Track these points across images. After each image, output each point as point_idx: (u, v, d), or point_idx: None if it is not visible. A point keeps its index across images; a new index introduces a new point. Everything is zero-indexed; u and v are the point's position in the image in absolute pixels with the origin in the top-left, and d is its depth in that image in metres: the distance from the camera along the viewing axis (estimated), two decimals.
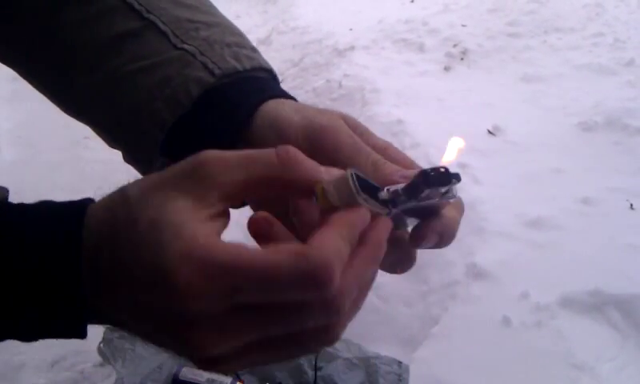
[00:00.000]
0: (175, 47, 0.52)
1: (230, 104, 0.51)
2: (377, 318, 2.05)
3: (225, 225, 0.39)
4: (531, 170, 2.54)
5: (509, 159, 2.65)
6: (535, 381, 1.59)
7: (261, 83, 0.54)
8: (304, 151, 0.39)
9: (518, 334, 1.71)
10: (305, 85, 4.26)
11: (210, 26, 0.56)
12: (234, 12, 7.49)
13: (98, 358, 1.88)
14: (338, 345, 1.07)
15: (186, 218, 0.35)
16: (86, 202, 0.39)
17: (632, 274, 1.85)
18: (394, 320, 2.02)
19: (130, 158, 0.58)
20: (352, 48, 4.49)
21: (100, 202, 0.39)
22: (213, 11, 0.59)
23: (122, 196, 0.38)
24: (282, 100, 0.52)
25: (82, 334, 0.41)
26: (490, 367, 1.64)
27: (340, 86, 3.81)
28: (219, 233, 0.37)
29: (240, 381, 0.91)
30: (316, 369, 0.96)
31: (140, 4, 0.53)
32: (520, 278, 1.90)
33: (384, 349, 1.39)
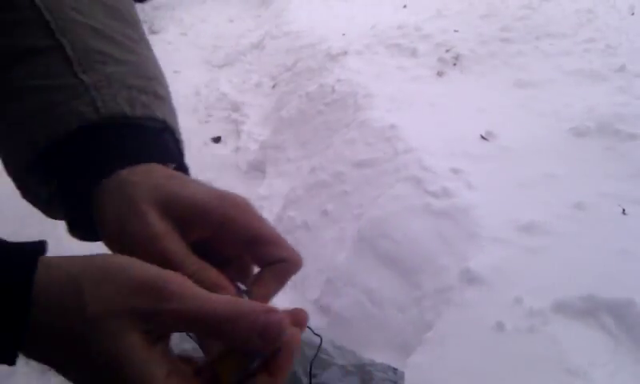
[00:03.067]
0: (74, 75, 0.52)
1: (99, 151, 0.50)
2: (370, 324, 2.04)
3: (166, 344, 0.41)
4: (524, 175, 2.54)
5: (502, 164, 2.66)
6: None
7: (141, 138, 0.52)
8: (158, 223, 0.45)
9: (512, 339, 1.71)
10: (298, 89, 4.26)
11: (121, 62, 0.54)
12: (226, 16, 7.49)
13: None
14: (333, 352, 1.06)
15: (142, 357, 0.38)
16: (35, 257, 0.39)
17: (625, 279, 1.86)
18: (387, 326, 2.01)
19: (5, 167, 0.56)
20: (345, 53, 4.49)
21: (49, 280, 0.38)
22: (135, 48, 0.57)
23: (77, 301, 0.38)
24: (151, 167, 0.49)
25: (13, 361, 0.40)
26: (484, 372, 1.64)
27: (333, 90, 3.81)
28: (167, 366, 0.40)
29: None
30: (311, 376, 0.95)
31: (57, 24, 0.53)
32: (513, 284, 1.90)
33: (378, 354, 1.39)
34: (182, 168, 0.55)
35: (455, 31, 4.66)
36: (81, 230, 0.54)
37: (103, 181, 0.48)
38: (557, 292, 1.83)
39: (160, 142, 0.54)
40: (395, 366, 1.02)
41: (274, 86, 4.82)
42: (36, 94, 0.51)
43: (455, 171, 2.54)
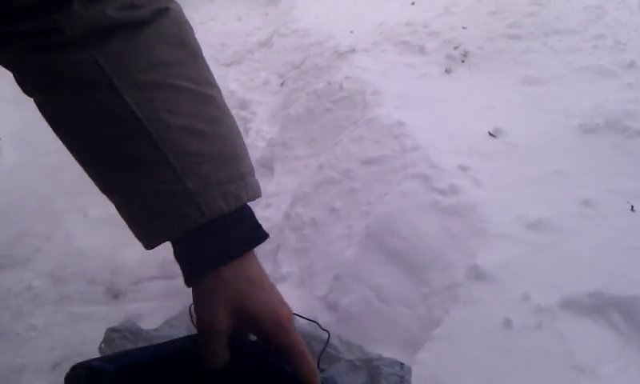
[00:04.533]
0: (180, 181, 0.66)
1: (201, 250, 0.69)
2: (378, 320, 2.05)
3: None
4: (532, 171, 2.54)
5: (509, 161, 2.65)
6: (536, 382, 1.59)
7: (233, 231, 0.70)
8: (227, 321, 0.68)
9: (519, 336, 1.71)
10: (306, 87, 4.27)
11: (212, 158, 0.69)
12: (235, 15, 7.51)
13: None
14: (340, 346, 1.07)
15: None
16: None
17: (633, 275, 1.85)
18: (395, 322, 2.02)
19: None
20: (353, 50, 4.50)
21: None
22: (219, 130, 0.71)
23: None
24: (237, 270, 0.69)
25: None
26: (492, 369, 1.64)
27: (341, 88, 3.82)
28: None
29: None
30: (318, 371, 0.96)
31: (158, 134, 0.66)
32: (521, 280, 1.90)
33: (385, 351, 1.39)
34: (262, 235, 0.74)
35: (463, 28, 4.65)
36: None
37: (207, 273, 0.68)
38: (565, 289, 1.83)
39: (246, 225, 0.73)
40: (403, 362, 1.03)
41: (282, 84, 4.84)
42: (154, 199, 0.67)
43: (463, 168, 2.54)
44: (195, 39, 0.75)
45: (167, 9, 0.71)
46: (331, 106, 3.71)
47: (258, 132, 4.11)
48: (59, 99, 0.67)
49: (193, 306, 0.95)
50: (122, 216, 0.72)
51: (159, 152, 0.66)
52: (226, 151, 0.71)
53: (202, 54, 0.75)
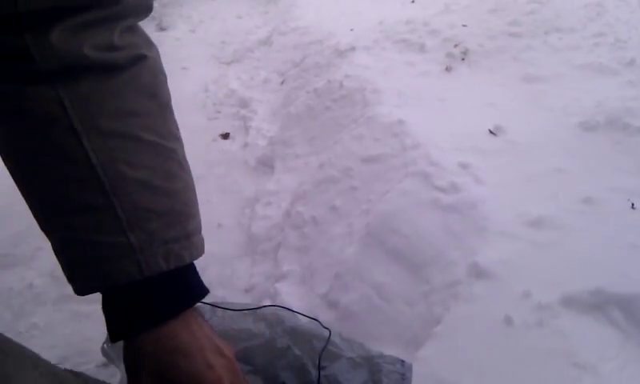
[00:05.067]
0: (124, 234, 0.65)
1: (135, 307, 0.66)
2: (378, 318, 2.05)
3: None
4: (532, 169, 2.54)
5: (510, 159, 2.65)
6: (537, 379, 1.59)
7: (170, 290, 0.68)
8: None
9: (520, 334, 1.72)
10: (306, 85, 4.27)
11: (160, 215, 0.67)
12: (235, 13, 7.50)
13: (102, 359, 1.89)
14: (341, 344, 1.07)
15: None
16: None
17: (633, 273, 1.86)
18: (395, 320, 2.02)
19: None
20: (353, 48, 4.49)
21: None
22: (173, 186, 0.70)
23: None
24: (163, 337, 0.67)
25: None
26: (492, 366, 1.64)
27: (341, 86, 3.82)
28: None
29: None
30: (319, 368, 0.96)
31: (110, 185, 0.64)
32: (522, 278, 1.90)
33: (386, 349, 1.40)
34: (200, 293, 0.72)
35: (463, 26, 4.65)
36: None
37: (129, 339, 0.67)
38: (565, 286, 1.83)
39: (181, 287, 0.70)
40: (404, 359, 1.04)
41: (282, 82, 4.83)
42: (93, 247, 0.65)
43: (463, 166, 2.54)
44: (167, 90, 0.74)
45: (145, 57, 0.70)
46: (331, 105, 3.71)
47: (258, 130, 4.11)
48: (12, 129, 0.64)
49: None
50: (57, 257, 0.70)
51: (108, 201, 0.64)
52: (178, 209, 0.70)
53: (171, 105, 0.74)
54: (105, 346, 1.21)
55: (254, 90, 4.91)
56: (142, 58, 0.69)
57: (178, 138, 0.74)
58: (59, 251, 0.69)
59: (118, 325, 0.67)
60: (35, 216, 0.70)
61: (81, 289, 0.68)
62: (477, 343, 1.73)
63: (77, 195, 0.64)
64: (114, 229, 0.64)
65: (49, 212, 0.67)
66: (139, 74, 0.68)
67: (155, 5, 7.30)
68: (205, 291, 0.72)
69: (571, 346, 1.64)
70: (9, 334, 2.29)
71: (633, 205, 2.22)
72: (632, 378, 1.56)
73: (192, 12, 7.41)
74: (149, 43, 0.73)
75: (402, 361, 1.00)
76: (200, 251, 0.73)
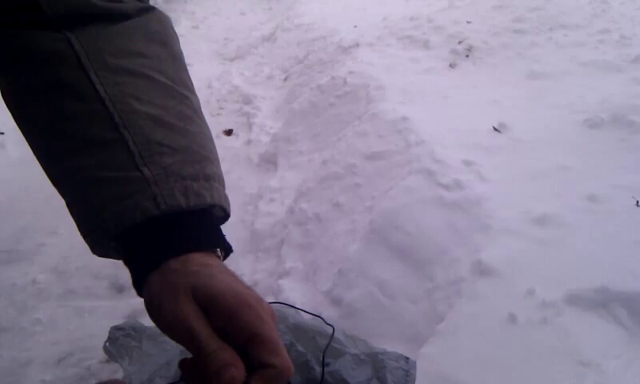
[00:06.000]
0: (137, 168, 0.60)
1: (156, 243, 0.59)
2: (382, 315, 2.05)
3: None
4: (537, 167, 2.53)
5: (514, 156, 2.65)
6: (541, 377, 1.58)
7: (192, 229, 0.62)
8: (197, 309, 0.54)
9: (524, 331, 1.71)
10: (310, 82, 4.27)
11: (177, 151, 0.63)
12: (238, 9, 7.50)
13: (105, 355, 1.89)
14: (345, 341, 1.07)
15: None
16: None
17: (638, 271, 1.85)
18: (399, 317, 2.02)
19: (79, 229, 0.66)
20: (357, 45, 4.49)
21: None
22: (189, 127, 0.66)
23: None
24: (191, 257, 0.58)
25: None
26: (496, 364, 1.64)
27: (345, 82, 3.81)
28: None
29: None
30: (323, 365, 0.96)
31: (120, 117, 0.60)
32: (526, 275, 1.89)
33: (390, 345, 1.39)
34: (225, 246, 0.65)
35: (468, 22, 4.63)
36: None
37: (154, 271, 0.58)
38: (570, 284, 1.82)
39: (206, 228, 0.63)
40: (408, 356, 1.03)
41: (285, 79, 4.83)
42: (105, 186, 0.60)
43: (467, 163, 2.53)
44: (179, 47, 0.72)
45: (154, 9, 0.69)
46: (335, 101, 3.70)
47: (261, 127, 4.10)
48: (20, 71, 0.63)
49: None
50: (71, 214, 0.65)
51: (118, 135, 0.60)
52: (194, 149, 0.65)
53: (184, 60, 0.71)
54: (106, 344, 1.21)
55: (258, 86, 4.91)
56: (150, 9, 0.68)
57: (192, 90, 0.70)
58: (72, 204, 0.64)
59: (143, 261, 0.59)
60: (44, 165, 0.65)
61: (96, 241, 0.62)
62: (480, 341, 1.72)
63: (86, 131, 0.60)
64: (126, 163, 0.60)
65: (58, 155, 0.62)
66: (148, 21, 0.67)
67: (159, 1, 7.29)
68: (230, 248, 0.65)
69: (575, 344, 1.63)
70: (13, 330, 2.31)
71: (638, 202, 2.21)
72: (637, 375, 1.56)
73: (195, 8, 7.41)
74: (157, 7, 0.73)
75: (407, 358, 1.00)
76: (223, 198, 0.66)
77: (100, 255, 0.65)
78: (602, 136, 2.80)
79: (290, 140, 3.68)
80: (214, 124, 4.26)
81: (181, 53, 0.71)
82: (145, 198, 0.59)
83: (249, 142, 3.94)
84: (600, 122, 2.88)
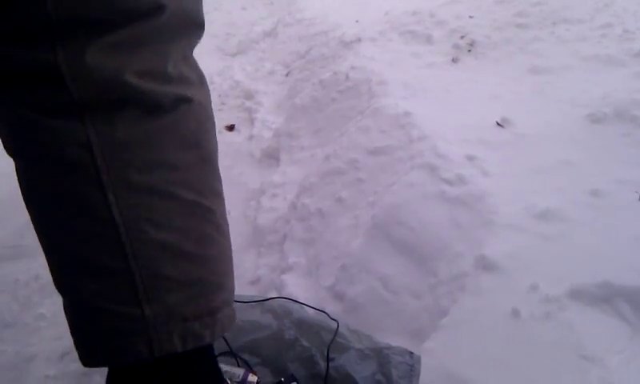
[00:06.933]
0: (139, 304, 0.56)
1: None
2: (385, 310, 2.05)
3: None
4: (540, 161, 2.53)
5: (517, 151, 2.64)
6: (544, 372, 1.59)
7: (183, 372, 0.60)
8: None
9: (527, 326, 1.71)
10: (311, 77, 4.26)
11: (184, 286, 0.59)
12: (239, 4, 7.48)
13: None
14: (349, 336, 1.07)
15: None
16: None
17: None
18: (402, 312, 2.02)
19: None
20: (359, 40, 4.48)
21: None
22: (205, 253, 0.61)
23: None
24: None
25: None
26: (499, 359, 1.64)
27: (347, 78, 3.80)
28: None
29: (253, 372, 0.91)
30: (328, 360, 0.96)
31: (131, 246, 0.56)
32: (529, 270, 1.89)
33: (393, 341, 1.39)
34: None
35: (470, 17, 4.62)
36: None
37: None
38: (573, 279, 1.82)
39: (199, 368, 0.62)
40: (412, 351, 1.03)
41: (287, 74, 4.82)
42: (103, 317, 0.57)
43: (470, 158, 2.53)
44: (214, 140, 0.66)
45: (191, 100, 0.61)
46: (337, 96, 3.70)
47: (263, 122, 4.10)
48: (33, 168, 0.57)
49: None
50: (66, 318, 0.63)
51: (126, 266, 0.56)
52: (205, 279, 0.61)
53: (216, 158, 0.66)
54: None
55: (259, 81, 4.90)
56: (189, 100, 0.60)
57: (218, 194, 0.65)
58: (69, 314, 0.62)
59: None
60: (51, 272, 0.62)
61: (86, 360, 0.61)
62: (484, 336, 1.73)
63: (93, 255, 0.56)
64: (128, 298, 0.56)
65: (63, 270, 0.60)
66: (184, 119, 0.59)
67: None
68: (223, 381, 0.65)
69: (578, 339, 1.63)
70: (17, 325, 2.31)
71: None
72: None
73: None
74: (201, 80, 0.64)
75: (411, 352, 1.00)
76: (226, 327, 0.63)
77: (86, 366, 0.63)
78: (604, 131, 2.79)
79: (292, 135, 3.67)
80: (216, 119, 4.24)
81: (213, 149, 0.65)
82: (140, 342, 0.57)
83: (251, 137, 3.94)
84: (603, 117, 2.87)
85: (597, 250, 1.96)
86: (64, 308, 0.62)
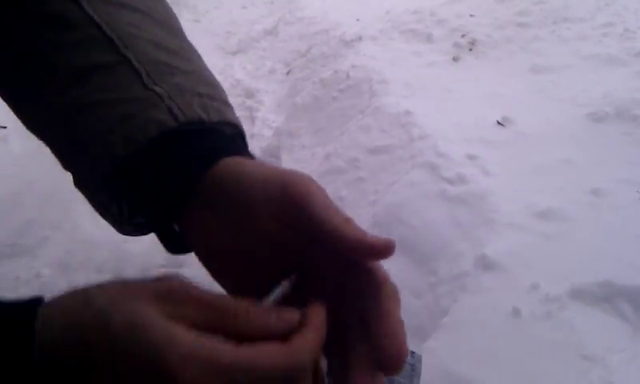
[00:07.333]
0: (145, 87, 0.51)
1: (187, 154, 0.49)
2: None
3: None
4: (541, 161, 2.53)
5: (518, 150, 2.64)
6: (545, 371, 1.59)
7: (224, 139, 0.53)
8: (270, 205, 0.42)
9: (528, 325, 1.71)
10: (312, 76, 4.26)
11: (186, 72, 0.55)
12: (240, 2, 7.47)
13: None
14: None
15: (166, 324, 0.34)
16: (35, 304, 0.38)
17: None
18: (403, 311, 2.01)
19: (79, 184, 0.56)
20: (359, 38, 4.47)
21: (53, 304, 0.38)
22: (192, 57, 0.58)
23: (84, 299, 0.36)
24: (243, 159, 0.49)
25: None
26: (500, 358, 1.64)
27: (347, 76, 3.80)
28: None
29: None
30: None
31: (120, 40, 0.52)
32: (530, 270, 1.89)
33: None
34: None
35: (471, 16, 4.61)
36: (168, 241, 0.53)
37: (208, 172, 0.47)
38: (574, 278, 1.82)
39: (238, 144, 0.54)
40: (413, 350, 1.03)
41: (287, 73, 4.82)
42: (110, 107, 0.50)
43: (471, 157, 2.53)
44: (178, 21, 0.64)
45: None
46: (338, 95, 3.70)
47: (264, 121, 4.10)
48: (6, 12, 0.53)
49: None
50: (64, 166, 0.56)
51: (120, 57, 0.52)
52: (205, 74, 0.58)
53: (181, 28, 0.62)
54: None
55: (260, 80, 4.90)
56: None
57: (194, 50, 0.61)
58: (66, 143, 0.55)
59: (174, 174, 0.48)
60: (33, 109, 0.57)
61: (100, 184, 0.52)
62: (484, 335, 1.73)
63: (83, 58, 0.52)
64: (133, 83, 0.51)
65: (52, 90, 0.53)
66: None
67: None
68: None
69: (579, 339, 1.63)
70: None
71: None
72: None
73: (197, 2, 7.39)
74: None
75: (412, 352, 1.00)
76: (240, 123, 0.57)
77: (102, 214, 0.56)
78: (605, 130, 2.79)
79: (292, 134, 3.67)
80: None
81: (178, 23, 0.63)
82: (159, 112, 0.50)
83: (251, 136, 3.93)
84: (604, 116, 2.87)
85: (597, 249, 1.96)
86: (61, 155, 0.56)
